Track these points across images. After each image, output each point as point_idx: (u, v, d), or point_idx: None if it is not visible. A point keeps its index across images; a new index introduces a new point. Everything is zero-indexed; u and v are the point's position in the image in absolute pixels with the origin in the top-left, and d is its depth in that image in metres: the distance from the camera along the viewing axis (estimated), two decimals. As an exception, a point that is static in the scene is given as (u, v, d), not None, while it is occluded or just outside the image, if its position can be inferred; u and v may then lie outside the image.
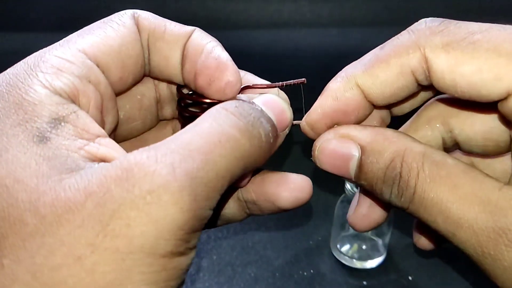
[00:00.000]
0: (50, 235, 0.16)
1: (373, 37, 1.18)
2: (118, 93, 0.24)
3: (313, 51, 1.12)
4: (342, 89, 0.25)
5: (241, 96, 0.25)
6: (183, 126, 0.25)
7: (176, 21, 0.26)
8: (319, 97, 0.26)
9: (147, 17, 0.24)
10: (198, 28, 0.25)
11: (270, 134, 0.22)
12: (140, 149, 0.18)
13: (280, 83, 0.26)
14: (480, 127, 0.26)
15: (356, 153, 0.24)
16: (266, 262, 0.48)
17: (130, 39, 0.23)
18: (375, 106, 0.25)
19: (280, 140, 0.24)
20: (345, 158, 0.24)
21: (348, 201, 0.46)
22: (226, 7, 1.18)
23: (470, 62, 0.21)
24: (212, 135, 0.19)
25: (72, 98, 0.19)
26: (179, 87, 0.26)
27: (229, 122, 0.20)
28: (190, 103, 0.26)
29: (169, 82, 0.27)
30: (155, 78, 0.26)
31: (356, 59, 0.26)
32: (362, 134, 0.24)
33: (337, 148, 0.24)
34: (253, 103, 0.23)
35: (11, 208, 0.16)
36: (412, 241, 0.30)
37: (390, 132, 0.24)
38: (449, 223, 0.21)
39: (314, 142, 0.26)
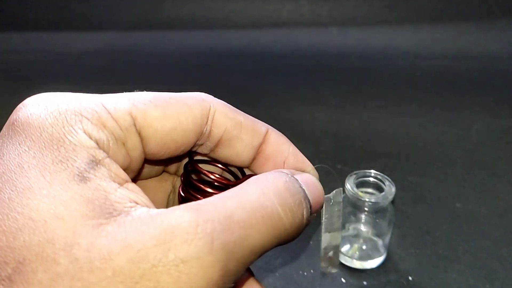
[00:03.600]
0: (79, 279, 0.16)
1: (373, 36, 1.18)
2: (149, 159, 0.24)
3: (313, 51, 1.12)
4: None
5: (285, 170, 0.24)
6: (185, 185, 0.26)
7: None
8: None
9: (225, 113, 0.24)
10: (271, 128, 0.26)
11: (309, 216, 0.22)
12: (182, 208, 0.18)
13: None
14: None
15: None
16: (266, 262, 0.48)
17: (186, 128, 0.23)
18: None
19: (309, 223, 0.24)
20: None
21: (348, 201, 0.46)
22: (226, 7, 1.17)
23: None
24: (257, 210, 0.19)
25: (103, 150, 0.20)
26: (192, 153, 0.26)
27: (277, 198, 0.20)
28: (196, 169, 0.26)
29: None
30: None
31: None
32: None
33: None
34: (297, 180, 0.23)
35: (46, 244, 0.16)
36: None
37: None
38: None
39: None
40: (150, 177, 0.28)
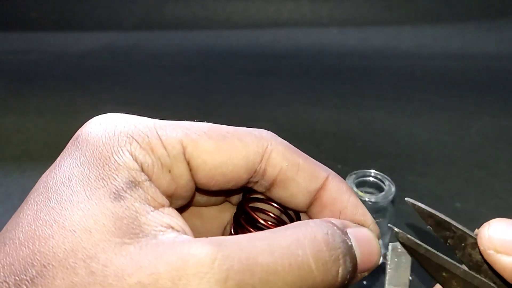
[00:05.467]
0: None
1: (373, 36, 1.18)
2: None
3: (313, 51, 1.12)
4: None
5: (335, 221, 0.22)
6: (235, 224, 0.25)
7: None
8: None
9: (282, 153, 0.23)
10: (333, 174, 0.24)
11: (348, 275, 0.21)
12: (205, 241, 0.17)
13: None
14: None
15: None
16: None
17: (237, 164, 0.22)
18: None
19: (356, 281, 0.23)
20: None
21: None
22: (226, 7, 1.17)
23: None
24: (285, 257, 0.18)
25: (147, 175, 0.20)
26: (247, 191, 0.26)
27: (311, 249, 0.19)
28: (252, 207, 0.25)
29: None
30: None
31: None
32: None
33: None
34: (346, 233, 0.22)
35: (70, 253, 0.17)
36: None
37: None
38: None
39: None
40: (210, 205, 0.28)
